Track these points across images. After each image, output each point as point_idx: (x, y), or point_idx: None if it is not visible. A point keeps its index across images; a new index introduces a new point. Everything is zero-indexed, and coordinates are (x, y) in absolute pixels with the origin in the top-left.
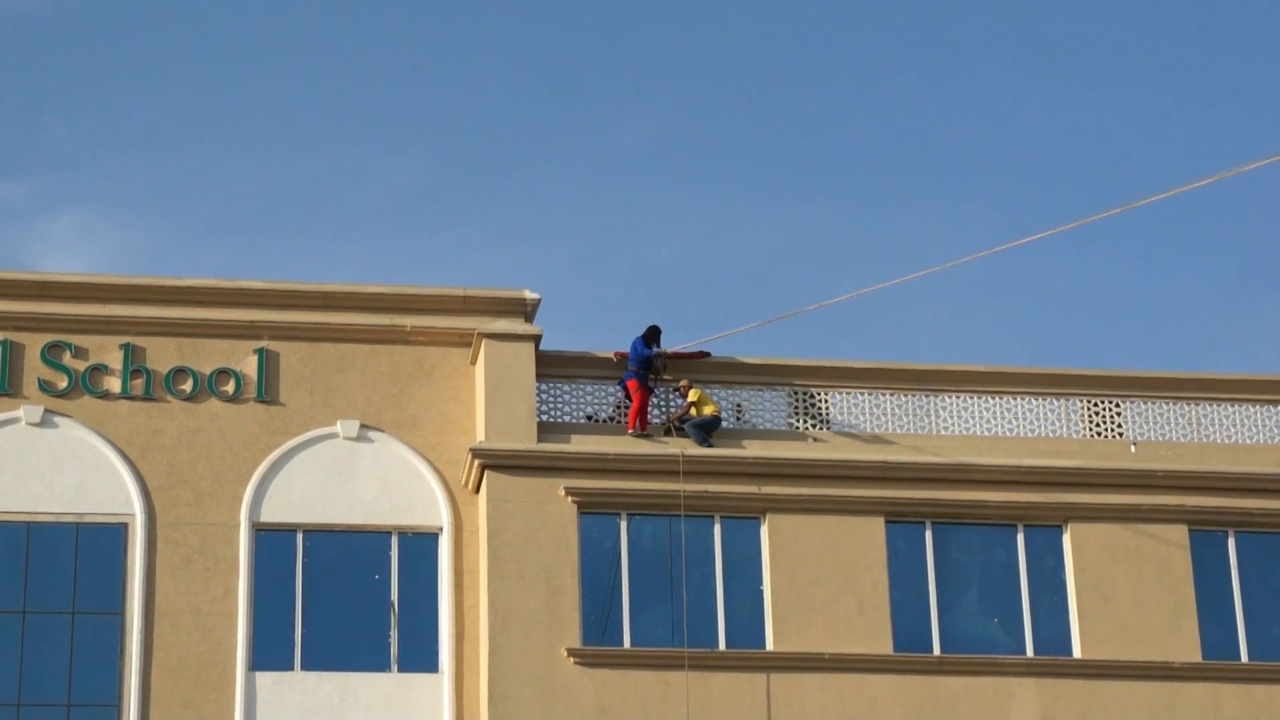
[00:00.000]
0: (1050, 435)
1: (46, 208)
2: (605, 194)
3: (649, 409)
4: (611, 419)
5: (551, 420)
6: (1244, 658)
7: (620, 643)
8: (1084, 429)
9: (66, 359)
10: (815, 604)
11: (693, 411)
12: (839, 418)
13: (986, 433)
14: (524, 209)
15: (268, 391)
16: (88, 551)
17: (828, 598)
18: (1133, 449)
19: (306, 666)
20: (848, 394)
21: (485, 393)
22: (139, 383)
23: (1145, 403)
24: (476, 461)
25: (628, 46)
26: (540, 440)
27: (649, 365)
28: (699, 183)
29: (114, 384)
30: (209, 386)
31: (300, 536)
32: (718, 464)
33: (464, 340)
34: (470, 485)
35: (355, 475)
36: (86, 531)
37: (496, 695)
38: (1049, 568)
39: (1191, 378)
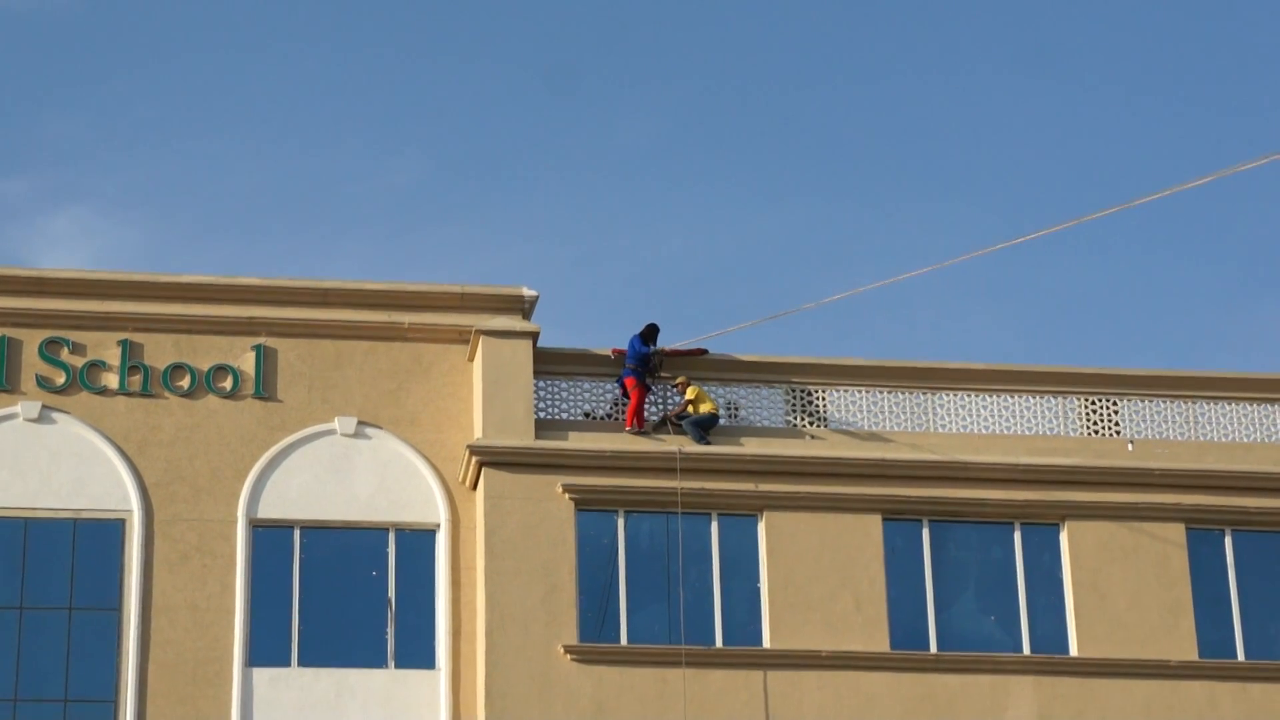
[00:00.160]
0: (1047, 433)
1: (45, 204)
2: (603, 192)
3: (646, 406)
4: (609, 416)
5: (549, 417)
6: (1240, 656)
7: (617, 640)
8: (1081, 427)
9: (64, 355)
10: (812, 601)
11: (690, 409)
12: (836, 415)
13: (984, 431)
14: (522, 207)
15: (265, 388)
16: (85, 547)
17: (825, 595)
18: (1130, 447)
19: (304, 662)
20: (845, 392)
21: (483, 390)
22: (137, 379)
23: (1142, 401)
24: (474, 458)
25: (626, 46)
26: (538, 437)
27: (646, 363)
28: (697, 181)
29: (112, 380)
30: (207, 383)
31: (298, 533)
32: (715, 461)
33: (462, 337)
34: (468, 482)
35: (353, 472)
36: (84, 527)
37: (493, 692)
38: (1046, 566)
39: (1189, 376)
